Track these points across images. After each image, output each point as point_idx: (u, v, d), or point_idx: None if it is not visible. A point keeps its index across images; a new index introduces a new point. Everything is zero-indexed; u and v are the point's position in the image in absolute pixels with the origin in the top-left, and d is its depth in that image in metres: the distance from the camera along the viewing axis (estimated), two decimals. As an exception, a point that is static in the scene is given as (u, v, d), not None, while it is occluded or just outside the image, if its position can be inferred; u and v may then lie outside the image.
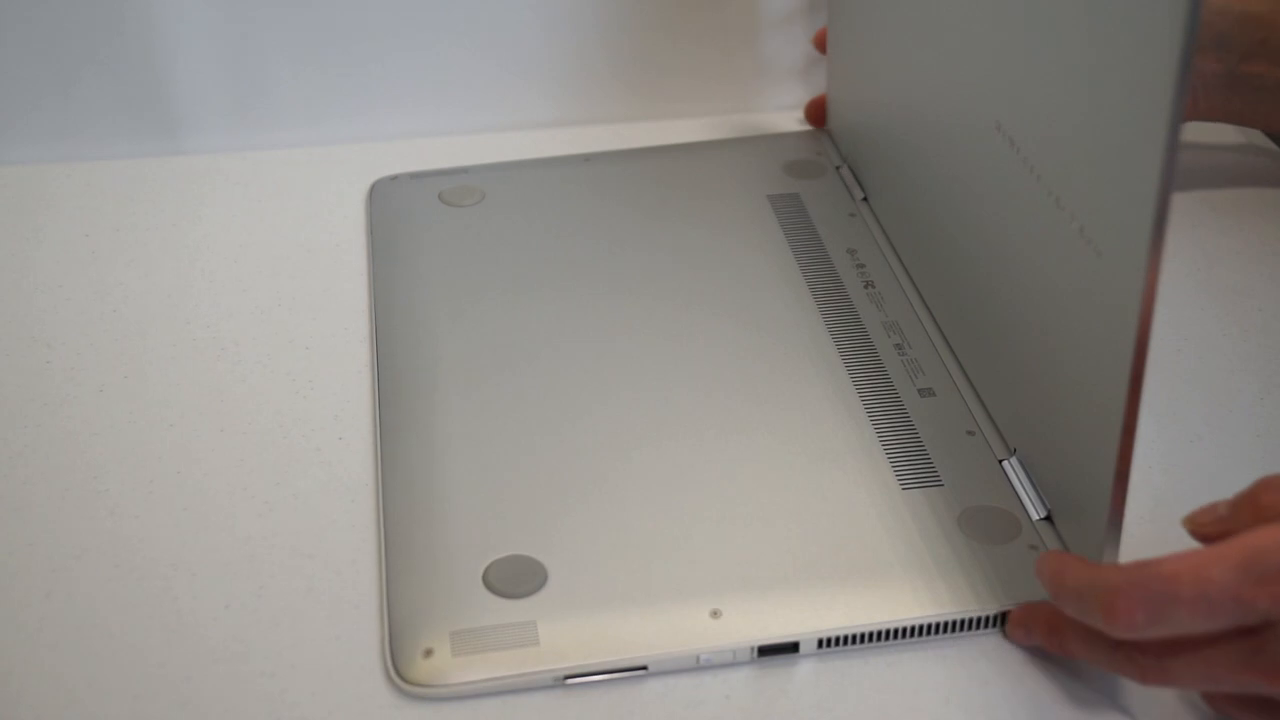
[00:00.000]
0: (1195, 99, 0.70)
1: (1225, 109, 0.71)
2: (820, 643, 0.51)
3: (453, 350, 0.63)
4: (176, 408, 0.62)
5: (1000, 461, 0.57)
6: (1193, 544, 0.47)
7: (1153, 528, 0.55)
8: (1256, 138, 0.78)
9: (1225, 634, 0.44)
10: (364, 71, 0.80)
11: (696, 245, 0.70)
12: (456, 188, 0.74)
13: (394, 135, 0.81)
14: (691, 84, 0.83)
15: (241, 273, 0.71)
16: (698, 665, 0.50)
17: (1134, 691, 0.49)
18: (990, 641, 0.51)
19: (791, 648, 0.51)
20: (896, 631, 0.51)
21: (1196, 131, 0.76)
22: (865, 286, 0.67)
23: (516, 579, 0.52)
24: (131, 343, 0.66)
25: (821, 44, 0.78)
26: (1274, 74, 0.69)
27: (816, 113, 0.79)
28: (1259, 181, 0.74)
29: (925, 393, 0.61)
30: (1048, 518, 0.54)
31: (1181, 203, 0.45)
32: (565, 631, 0.50)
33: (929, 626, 0.51)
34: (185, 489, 0.58)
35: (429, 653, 0.50)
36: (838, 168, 0.75)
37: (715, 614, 0.51)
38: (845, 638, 0.51)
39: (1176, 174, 0.43)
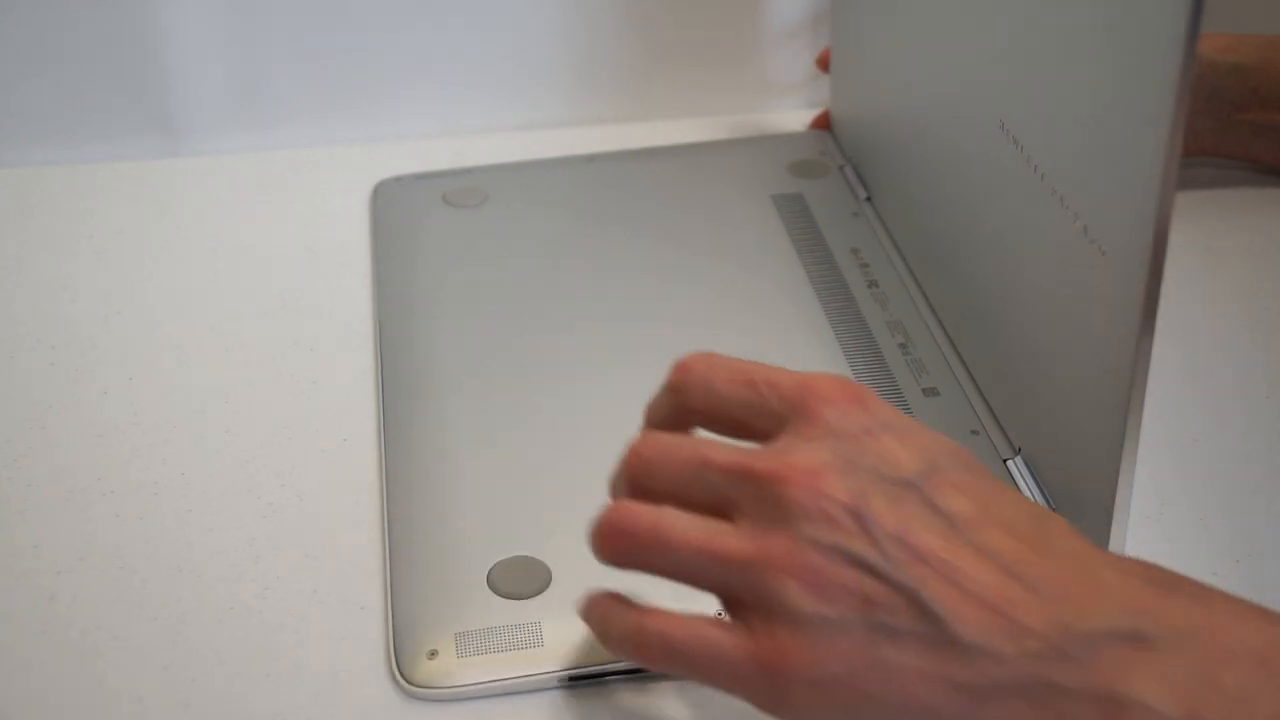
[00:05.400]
0: (1188, 146, 0.71)
1: (1219, 151, 0.73)
2: (825, 643, 0.50)
3: (457, 351, 0.63)
4: (181, 409, 0.62)
5: (1005, 461, 0.57)
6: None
7: (1158, 527, 0.55)
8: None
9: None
10: (368, 73, 0.80)
11: (700, 245, 0.70)
12: (460, 189, 0.74)
13: (398, 136, 0.81)
14: (694, 84, 0.83)
15: (245, 274, 0.71)
16: (702, 666, 0.50)
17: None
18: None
19: (796, 648, 0.50)
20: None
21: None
22: (869, 286, 0.67)
23: (521, 580, 0.52)
24: (135, 345, 0.66)
25: (825, 64, 0.78)
26: (1267, 119, 0.71)
27: (825, 122, 0.79)
28: (1262, 181, 0.74)
29: (929, 392, 0.60)
30: (1052, 517, 0.54)
31: (1185, 201, 0.45)
32: (570, 632, 0.50)
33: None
34: (190, 490, 0.58)
35: (433, 654, 0.50)
36: (841, 167, 0.75)
37: (720, 614, 0.51)
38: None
39: (1179, 172, 0.43)
